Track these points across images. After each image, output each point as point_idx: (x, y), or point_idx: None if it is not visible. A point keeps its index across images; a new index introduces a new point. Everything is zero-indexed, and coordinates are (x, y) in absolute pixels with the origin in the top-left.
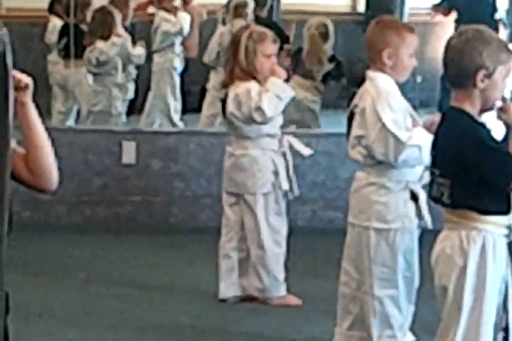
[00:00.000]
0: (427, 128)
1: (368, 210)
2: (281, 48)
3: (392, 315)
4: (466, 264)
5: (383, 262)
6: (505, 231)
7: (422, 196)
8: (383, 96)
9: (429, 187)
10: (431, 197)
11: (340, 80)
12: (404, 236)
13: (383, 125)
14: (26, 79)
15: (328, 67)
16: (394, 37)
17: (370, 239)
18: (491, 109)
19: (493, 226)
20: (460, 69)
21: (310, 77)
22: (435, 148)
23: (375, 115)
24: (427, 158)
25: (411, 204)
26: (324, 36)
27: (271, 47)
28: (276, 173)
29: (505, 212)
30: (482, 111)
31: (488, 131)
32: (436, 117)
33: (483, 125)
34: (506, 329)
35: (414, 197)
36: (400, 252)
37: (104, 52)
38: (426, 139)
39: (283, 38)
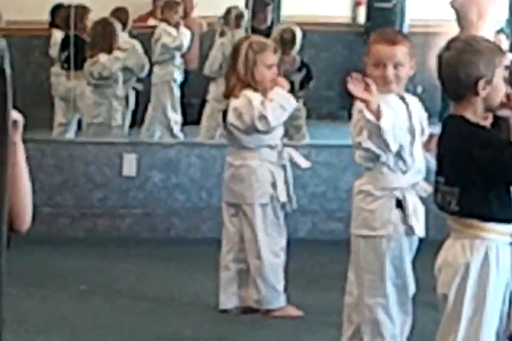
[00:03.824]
0: (427, 146)
1: (357, 218)
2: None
3: (382, 324)
4: (467, 273)
5: (371, 269)
6: (510, 239)
7: (411, 204)
8: None
9: (433, 195)
10: (436, 204)
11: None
12: (390, 244)
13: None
14: (16, 116)
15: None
16: (368, 46)
17: (360, 247)
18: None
19: (498, 235)
20: (459, 84)
21: None
22: (438, 156)
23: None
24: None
25: (397, 212)
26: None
27: (271, 57)
28: (274, 185)
29: (510, 220)
30: (488, 110)
31: (491, 132)
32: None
33: (484, 127)
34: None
35: (400, 204)
36: (388, 259)
37: (107, 67)
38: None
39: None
